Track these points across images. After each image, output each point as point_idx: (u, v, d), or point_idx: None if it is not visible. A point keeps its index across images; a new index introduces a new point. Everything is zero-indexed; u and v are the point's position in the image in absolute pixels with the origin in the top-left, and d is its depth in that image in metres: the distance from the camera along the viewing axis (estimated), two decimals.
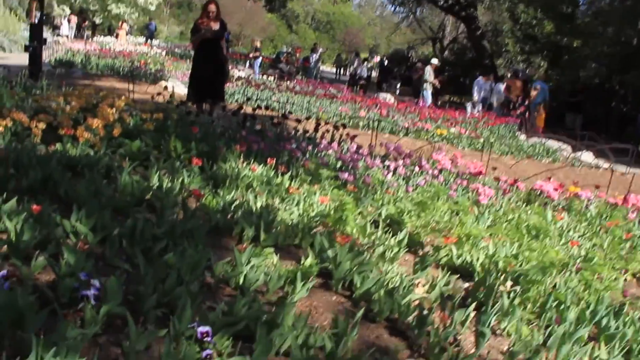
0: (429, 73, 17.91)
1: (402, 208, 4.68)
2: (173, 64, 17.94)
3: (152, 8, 36.67)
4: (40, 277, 2.91)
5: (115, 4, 33.77)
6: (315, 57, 26.95)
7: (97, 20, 33.79)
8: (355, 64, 25.72)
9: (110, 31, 32.23)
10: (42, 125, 5.65)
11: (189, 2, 57.65)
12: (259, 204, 4.25)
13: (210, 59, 8.24)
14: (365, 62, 26.10)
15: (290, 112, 7.30)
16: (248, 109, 7.66)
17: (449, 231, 4.49)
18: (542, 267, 3.40)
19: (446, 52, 37.40)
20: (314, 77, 25.44)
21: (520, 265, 3.62)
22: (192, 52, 24.09)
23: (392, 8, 44.64)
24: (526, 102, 15.82)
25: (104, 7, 33.92)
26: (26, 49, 11.03)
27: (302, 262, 3.40)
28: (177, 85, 12.42)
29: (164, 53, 22.72)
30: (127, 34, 30.75)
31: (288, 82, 17.72)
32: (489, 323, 2.95)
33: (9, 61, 15.09)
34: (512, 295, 3.28)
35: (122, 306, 2.56)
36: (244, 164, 5.11)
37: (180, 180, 4.57)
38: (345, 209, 4.08)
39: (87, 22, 33.22)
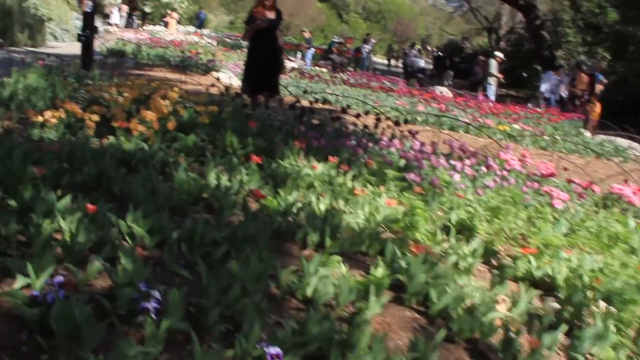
0: (493, 67, 17.26)
1: (474, 213, 4.43)
2: (224, 54, 17.87)
3: None
4: (96, 283, 2.78)
5: None
6: (367, 47, 26.62)
7: (147, 9, 34.10)
8: (412, 55, 25.21)
9: (163, 20, 32.41)
10: (95, 118, 5.57)
11: None
12: (322, 206, 4.06)
13: (265, 49, 8.08)
14: (421, 54, 25.47)
15: (348, 106, 7.09)
16: (304, 102, 7.48)
17: (524, 239, 4.23)
18: (638, 285, 3.13)
19: (502, 43, 36.59)
20: (366, 69, 25.15)
21: (610, 282, 3.34)
22: (243, 42, 23.99)
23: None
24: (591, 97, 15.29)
25: None
26: (79, 38, 11.04)
27: (371, 272, 3.19)
28: (230, 76, 12.32)
29: (214, 43, 22.72)
30: (177, 23, 30.90)
31: (341, 73, 17.48)
32: (583, 349, 2.70)
33: (61, 50, 15.27)
34: (604, 316, 3.02)
35: (184, 321, 2.40)
36: (304, 162, 4.93)
37: (238, 178, 4.41)
38: (415, 214, 3.86)
39: (137, 11, 33.52)
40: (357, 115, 6.71)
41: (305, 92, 7.68)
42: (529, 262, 3.76)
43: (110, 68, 10.59)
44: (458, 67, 33.39)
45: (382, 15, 68.49)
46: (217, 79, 12.31)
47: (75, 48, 14.78)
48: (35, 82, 7.32)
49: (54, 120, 5.35)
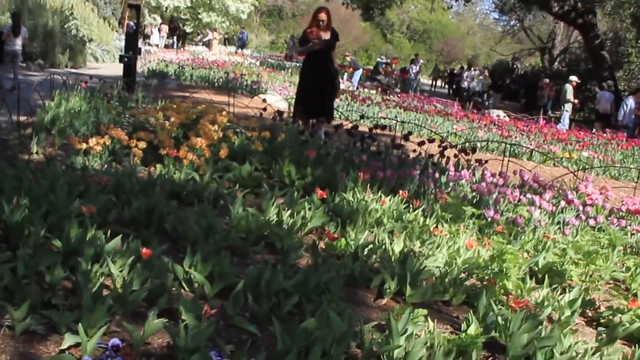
0: (569, 92, 16.53)
1: (563, 256, 4.07)
2: (269, 75, 17.73)
3: (244, 17, 37.08)
4: (153, 341, 2.51)
5: (207, 12, 34.30)
6: (415, 68, 26.26)
7: (188, 29, 34.36)
8: (469, 78, 24.66)
9: (202, 41, 32.53)
10: (142, 145, 5.38)
11: (280, 10, 58.19)
12: (396, 248, 3.75)
13: (318, 71, 7.81)
14: (481, 76, 24.77)
15: (409, 133, 6.77)
16: (361, 128, 7.20)
17: (625, 288, 3.86)
18: None
19: (556, 64, 35.94)
20: (414, 90, 24.78)
21: None
22: (287, 63, 23.84)
23: (497, 16, 43.38)
24: None
25: (194, 16, 34.53)
26: (121, 59, 11.00)
27: (463, 329, 2.87)
28: (277, 99, 12.11)
29: (258, 63, 22.65)
30: (219, 44, 31.07)
31: (391, 96, 17.14)
32: None
33: (102, 71, 15.31)
34: None
35: None
36: (371, 195, 4.62)
37: (301, 214, 4.13)
38: (504, 260, 3.52)
39: (178, 31, 33.83)
40: (421, 143, 6.38)
41: (362, 117, 7.33)
42: (638, 316, 3.38)
43: (154, 90, 10.48)
44: (508, 89, 32.83)
45: (427, 35, 68.12)
46: (264, 101, 12.14)
47: (117, 69, 14.81)
48: (77, 106, 7.20)
49: (98, 148, 5.15)
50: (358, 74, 22.01)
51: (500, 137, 10.26)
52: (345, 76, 21.78)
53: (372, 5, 27.20)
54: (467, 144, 8.65)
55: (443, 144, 6.42)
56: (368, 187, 4.77)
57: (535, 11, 33.30)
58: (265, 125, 7.13)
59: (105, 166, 5.12)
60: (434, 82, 39.28)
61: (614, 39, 27.95)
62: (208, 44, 32.37)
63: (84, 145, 5.14)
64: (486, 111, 16.63)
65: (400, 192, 4.64)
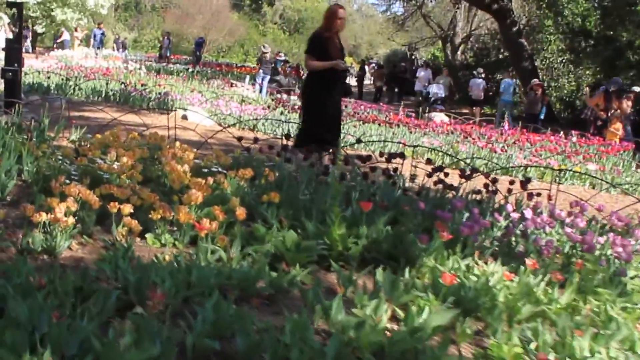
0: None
1: None
2: (166, 82, 16.33)
3: (104, 12, 35.15)
4: None
5: (61, 8, 32.11)
6: None
7: (39, 29, 32.12)
8: (425, 78, 23.79)
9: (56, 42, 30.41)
10: (128, 209, 4.23)
11: (137, 3, 55.94)
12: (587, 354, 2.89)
13: (338, 93, 7.03)
14: (442, 80, 23.63)
15: (433, 161, 5.94)
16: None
17: None
18: None
19: (459, 53, 36.40)
20: None
21: None
22: (166, 64, 22.28)
23: (388, 3, 43.45)
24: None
25: (46, 13, 32.27)
26: (3, 74, 9.53)
27: None
28: (198, 115, 10.98)
29: (143, 68, 21.14)
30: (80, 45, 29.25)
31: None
32: None
33: None
34: None
35: None
36: (484, 265, 3.76)
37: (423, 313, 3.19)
38: None
39: (31, 32, 31.55)
40: (467, 176, 5.53)
41: (359, 140, 6.31)
42: None
43: (39, 110, 9.04)
44: (409, 82, 31.87)
45: (303, 24, 67.61)
46: (184, 117, 10.99)
47: None
48: None
49: (70, 221, 3.96)
50: (266, 78, 20.48)
51: (489, 152, 9.62)
52: (258, 79, 20.25)
53: None
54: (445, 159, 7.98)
55: (492, 178, 5.63)
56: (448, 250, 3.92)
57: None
58: (237, 158, 6.13)
59: (72, 243, 4.00)
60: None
61: (527, 26, 28.35)
62: (63, 46, 30.39)
63: (44, 217, 3.95)
64: (426, 115, 16.11)
65: (527, 261, 3.78)
